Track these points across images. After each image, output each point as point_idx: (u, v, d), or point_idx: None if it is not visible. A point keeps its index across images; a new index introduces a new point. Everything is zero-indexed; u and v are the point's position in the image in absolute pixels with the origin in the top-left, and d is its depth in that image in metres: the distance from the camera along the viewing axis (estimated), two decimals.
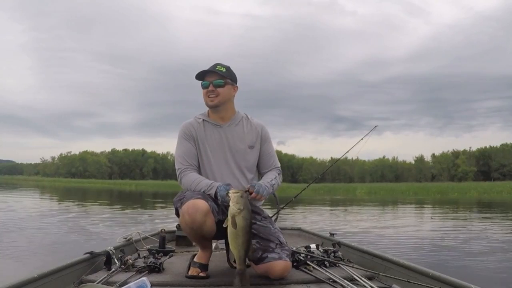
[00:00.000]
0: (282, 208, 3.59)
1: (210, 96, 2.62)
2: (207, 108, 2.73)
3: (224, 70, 2.62)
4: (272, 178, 2.64)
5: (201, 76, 2.64)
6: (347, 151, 3.56)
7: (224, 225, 2.18)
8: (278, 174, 2.73)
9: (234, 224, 2.13)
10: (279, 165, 2.80)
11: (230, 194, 2.20)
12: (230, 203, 2.17)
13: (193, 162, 2.62)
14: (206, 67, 2.64)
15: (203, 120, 2.70)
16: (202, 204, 2.31)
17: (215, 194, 2.40)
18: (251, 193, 2.34)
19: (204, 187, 2.46)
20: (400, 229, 9.32)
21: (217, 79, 2.61)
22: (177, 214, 2.54)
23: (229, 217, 2.15)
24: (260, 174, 2.79)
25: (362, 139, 3.41)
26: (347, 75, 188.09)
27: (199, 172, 2.63)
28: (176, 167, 2.61)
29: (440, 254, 6.05)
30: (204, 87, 2.63)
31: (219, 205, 2.43)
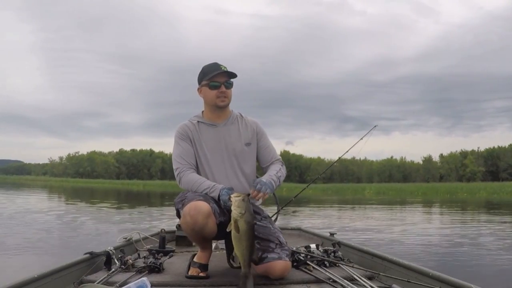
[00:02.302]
0: (282, 208, 3.59)
1: (221, 97, 2.59)
2: (202, 109, 2.73)
3: (228, 70, 2.60)
4: (277, 170, 2.61)
5: (210, 76, 2.56)
6: (346, 151, 3.58)
7: (227, 230, 2.18)
8: (282, 165, 2.70)
9: (237, 228, 2.13)
10: (279, 157, 2.78)
11: (232, 198, 2.19)
12: (232, 207, 2.16)
13: (191, 161, 2.60)
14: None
15: (198, 121, 2.69)
16: (204, 206, 2.30)
17: (218, 196, 2.39)
18: (253, 194, 2.31)
19: (206, 189, 2.45)
20: (411, 229, 9.27)
21: (228, 80, 2.60)
22: (178, 215, 2.53)
23: (232, 222, 2.15)
24: (262, 169, 2.77)
25: (361, 138, 3.43)
26: (356, 75, 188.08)
27: (198, 172, 2.62)
28: (174, 167, 2.60)
29: (448, 254, 6.01)
30: (214, 87, 2.58)
31: (221, 206, 2.42)
